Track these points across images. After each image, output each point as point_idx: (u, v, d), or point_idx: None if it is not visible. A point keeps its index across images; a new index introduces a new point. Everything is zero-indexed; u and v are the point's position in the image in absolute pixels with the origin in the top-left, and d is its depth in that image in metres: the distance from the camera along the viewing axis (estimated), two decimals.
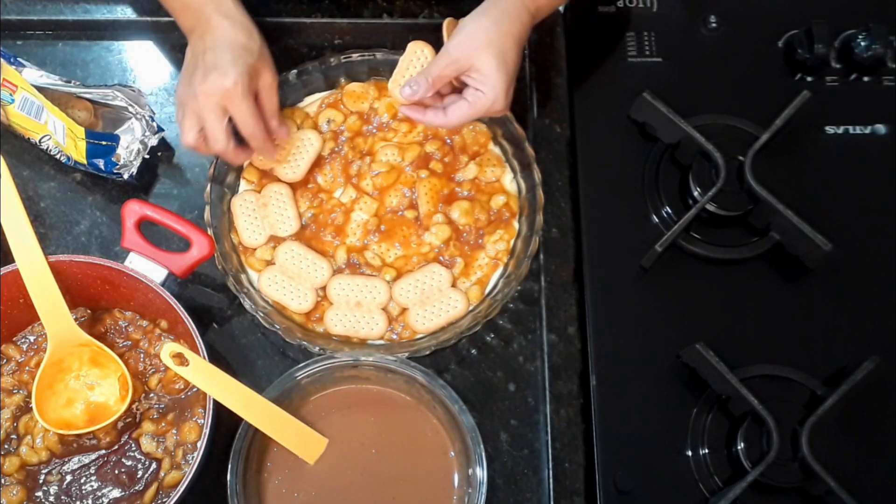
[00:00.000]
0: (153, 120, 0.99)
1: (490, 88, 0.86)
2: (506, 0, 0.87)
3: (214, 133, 0.87)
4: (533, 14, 0.89)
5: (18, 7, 1.06)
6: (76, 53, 1.07)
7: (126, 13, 1.07)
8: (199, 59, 0.87)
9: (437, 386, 0.87)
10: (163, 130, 1.00)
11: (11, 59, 0.98)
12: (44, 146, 0.98)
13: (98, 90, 0.99)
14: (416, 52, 0.96)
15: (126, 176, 0.98)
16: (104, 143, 0.95)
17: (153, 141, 0.98)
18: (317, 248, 0.97)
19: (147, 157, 0.99)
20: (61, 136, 0.95)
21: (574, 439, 0.93)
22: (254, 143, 0.91)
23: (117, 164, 0.97)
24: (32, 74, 0.97)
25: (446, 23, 0.93)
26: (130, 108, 0.98)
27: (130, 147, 0.97)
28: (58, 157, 0.98)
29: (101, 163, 0.96)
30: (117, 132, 0.99)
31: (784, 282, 0.98)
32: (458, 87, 0.90)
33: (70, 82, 0.99)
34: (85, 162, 0.96)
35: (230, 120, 0.88)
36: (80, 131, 0.94)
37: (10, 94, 0.96)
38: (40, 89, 0.96)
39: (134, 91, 0.99)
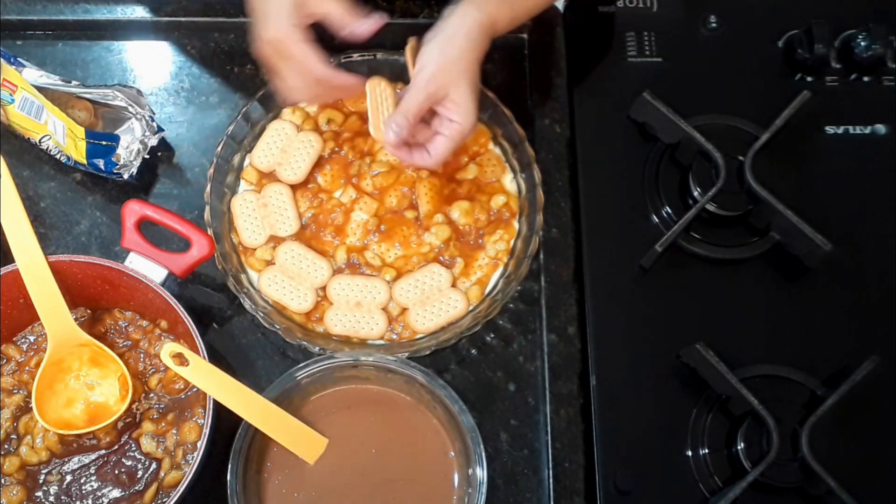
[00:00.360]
0: (153, 120, 0.99)
1: (465, 118, 0.86)
2: (466, 26, 0.86)
3: (307, 61, 0.85)
4: (492, 35, 0.88)
5: (18, 7, 1.06)
6: (76, 53, 1.07)
7: (126, 13, 1.07)
8: (253, 11, 0.86)
9: (437, 386, 0.87)
10: (163, 130, 1.00)
11: (11, 59, 0.98)
12: (44, 146, 0.98)
13: (98, 90, 0.99)
14: (378, 91, 0.94)
15: (126, 176, 0.98)
16: (104, 143, 0.95)
17: (153, 141, 0.98)
18: (317, 248, 0.97)
19: (147, 157, 0.99)
20: (61, 136, 0.95)
21: (574, 439, 0.92)
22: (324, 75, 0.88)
23: (117, 164, 0.97)
24: (32, 74, 0.97)
25: (409, 47, 0.91)
26: (130, 108, 0.98)
27: (130, 147, 0.97)
28: (58, 157, 0.98)
29: (101, 163, 0.96)
30: (117, 132, 0.99)
31: (784, 282, 0.98)
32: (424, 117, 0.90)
33: (70, 82, 0.99)
34: (85, 162, 0.96)
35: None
36: (80, 131, 0.94)
37: (10, 94, 0.96)
38: (40, 89, 0.96)
39: (134, 91, 0.99)
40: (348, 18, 0.87)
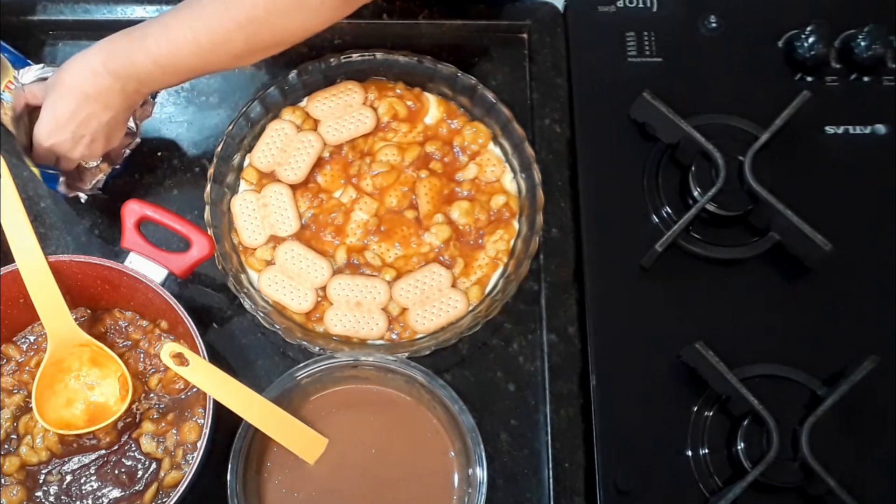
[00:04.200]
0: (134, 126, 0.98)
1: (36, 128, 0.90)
2: (85, 56, 0.87)
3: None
4: (115, 74, 0.86)
5: (18, 7, 1.06)
6: (76, 53, 1.06)
7: (126, 13, 1.07)
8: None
9: (437, 386, 0.87)
10: (136, 135, 0.98)
11: (12, 59, 0.98)
12: None
13: None
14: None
15: (92, 189, 0.97)
16: (50, 171, 0.93)
17: (126, 151, 0.98)
18: (317, 248, 0.97)
19: (147, 157, 0.99)
20: None
21: (574, 439, 0.93)
22: None
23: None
24: (32, 74, 0.97)
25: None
26: None
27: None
28: None
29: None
30: None
31: (784, 282, 0.98)
32: None
33: None
34: None
35: None
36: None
37: (11, 94, 0.96)
38: None
39: None
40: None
